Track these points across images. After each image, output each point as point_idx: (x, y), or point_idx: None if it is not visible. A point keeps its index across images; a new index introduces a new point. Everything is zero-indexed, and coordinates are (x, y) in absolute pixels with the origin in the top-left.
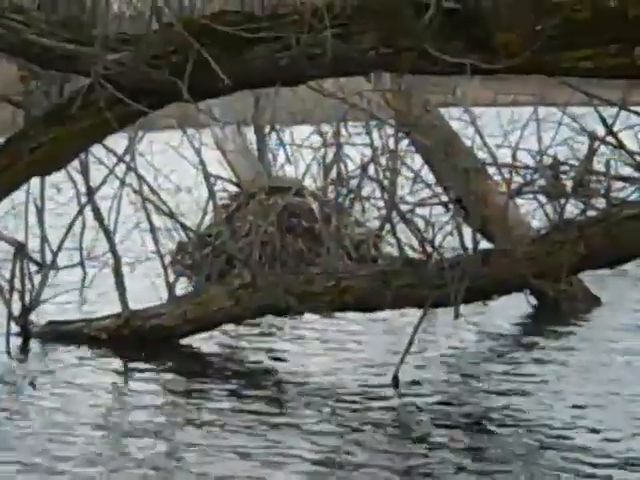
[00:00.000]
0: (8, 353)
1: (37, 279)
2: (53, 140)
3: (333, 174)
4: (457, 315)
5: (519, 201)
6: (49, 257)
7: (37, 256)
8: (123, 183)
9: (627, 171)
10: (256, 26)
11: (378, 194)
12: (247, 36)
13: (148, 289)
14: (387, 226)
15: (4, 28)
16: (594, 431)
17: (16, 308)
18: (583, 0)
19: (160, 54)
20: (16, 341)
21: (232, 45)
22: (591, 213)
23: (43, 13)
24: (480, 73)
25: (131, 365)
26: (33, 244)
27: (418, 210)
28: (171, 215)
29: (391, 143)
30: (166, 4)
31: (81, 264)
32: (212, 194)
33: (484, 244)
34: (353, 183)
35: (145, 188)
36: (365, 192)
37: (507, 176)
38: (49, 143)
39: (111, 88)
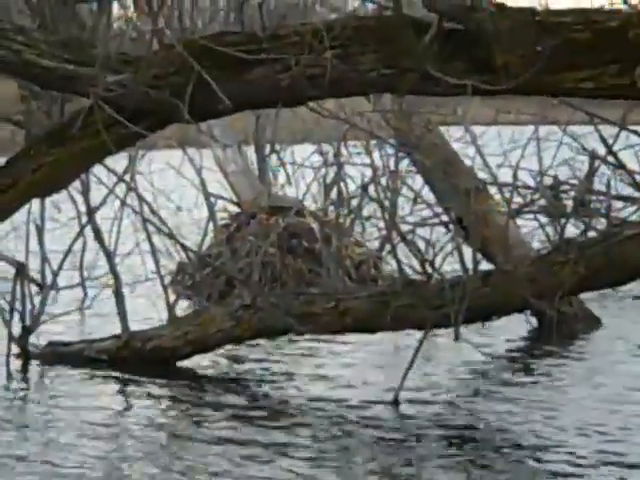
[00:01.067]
0: (8, 374)
1: (37, 300)
2: (54, 161)
3: (334, 194)
4: (457, 336)
5: (520, 221)
6: (49, 278)
7: (37, 276)
8: (124, 203)
9: (628, 191)
10: (257, 47)
11: (379, 214)
12: (248, 57)
13: (148, 310)
14: (387, 246)
15: (5, 49)
16: (597, 452)
17: (16, 329)
18: (583, 20)
19: (161, 75)
20: (16, 362)
21: (233, 66)
22: (592, 233)
23: (44, 33)
24: (481, 94)
25: (131, 386)
26: (33, 264)
27: (419, 230)
28: (171, 236)
29: (392, 163)
30: (167, 25)
31: (81, 285)
32: (212, 214)
33: (485, 264)
34: (354, 203)
35: (145, 208)
36: (365, 212)
37: (507, 196)
38: (50, 164)
39: (110, 110)
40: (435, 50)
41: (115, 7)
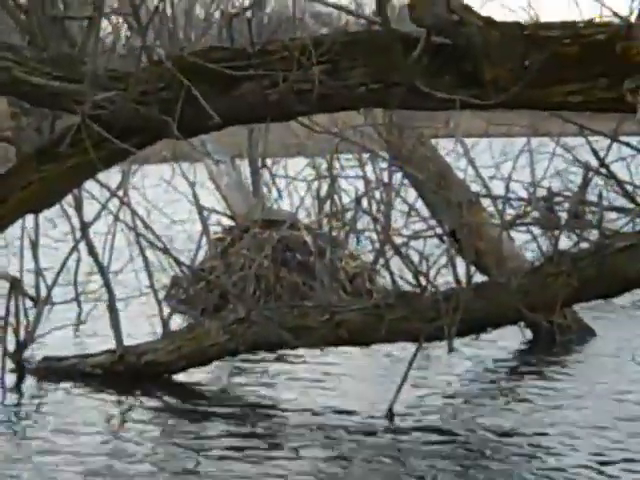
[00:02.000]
0: (3, 389)
1: (32, 315)
2: (44, 178)
3: (327, 207)
4: (451, 348)
5: (513, 233)
6: (44, 292)
7: (32, 291)
8: (117, 218)
9: (621, 202)
10: (245, 62)
11: (372, 227)
12: (236, 73)
13: (142, 324)
14: (381, 259)
15: None
16: (587, 467)
17: (11, 344)
18: (571, 34)
19: (150, 91)
20: (11, 377)
21: (221, 81)
22: (585, 245)
23: (33, 51)
24: (470, 108)
25: (126, 401)
26: (28, 279)
27: (412, 243)
28: (165, 250)
29: (385, 176)
30: (157, 38)
31: (76, 300)
32: (206, 228)
33: (478, 277)
34: (347, 216)
35: (139, 223)
36: (359, 225)
37: (500, 208)
38: (40, 181)
39: (97, 127)
40: (424, 65)
41: (105, 23)
